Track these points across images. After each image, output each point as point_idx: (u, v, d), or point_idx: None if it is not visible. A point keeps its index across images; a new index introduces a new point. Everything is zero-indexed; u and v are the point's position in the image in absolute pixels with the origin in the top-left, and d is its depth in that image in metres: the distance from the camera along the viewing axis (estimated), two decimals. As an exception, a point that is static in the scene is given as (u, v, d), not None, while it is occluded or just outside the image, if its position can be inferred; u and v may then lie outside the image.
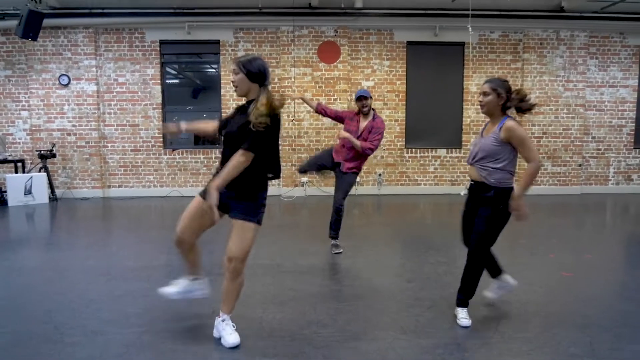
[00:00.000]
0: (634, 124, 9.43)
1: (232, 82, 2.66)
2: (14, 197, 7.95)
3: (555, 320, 3.01)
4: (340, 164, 4.65)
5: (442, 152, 9.28)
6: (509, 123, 2.78)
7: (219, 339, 2.73)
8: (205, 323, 2.93)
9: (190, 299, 2.96)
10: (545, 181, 9.27)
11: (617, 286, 3.81)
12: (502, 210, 2.83)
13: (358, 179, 5.42)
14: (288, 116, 8.67)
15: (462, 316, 2.97)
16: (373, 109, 4.70)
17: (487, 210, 2.86)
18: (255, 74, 2.59)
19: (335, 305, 3.28)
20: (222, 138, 2.76)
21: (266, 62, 2.68)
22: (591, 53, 9.18)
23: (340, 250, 4.70)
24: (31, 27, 7.53)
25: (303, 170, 5.07)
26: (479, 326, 2.94)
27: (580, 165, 9.35)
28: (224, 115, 2.44)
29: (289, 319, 3.04)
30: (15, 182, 8.00)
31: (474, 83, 9.13)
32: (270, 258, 4.41)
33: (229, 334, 2.69)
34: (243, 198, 2.63)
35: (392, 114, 9.09)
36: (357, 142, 4.47)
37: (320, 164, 4.84)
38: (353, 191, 8.97)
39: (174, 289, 2.93)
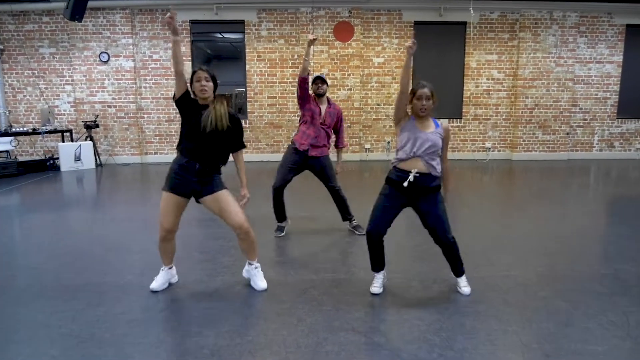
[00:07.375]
0: (617, 97, 10.41)
1: (203, 86, 2.82)
2: (66, 163, 8.97)
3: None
4: (310, 152, 4.40)
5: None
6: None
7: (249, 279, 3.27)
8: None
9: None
10: (536, 148, 10.33)
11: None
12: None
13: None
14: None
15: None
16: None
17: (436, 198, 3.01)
18: (217, 83, 2.92)
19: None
20: (191, 129, 2.88)
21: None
22: (581, 32, 10.06)
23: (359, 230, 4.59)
24: (78, 9, 8.27)
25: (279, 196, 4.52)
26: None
27: (567, 133, 10.38)
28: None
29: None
30: (66, 150, 9.00)
31: (474, 60, 10.05)
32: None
33: (260, 280, 3.19)
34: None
35: (399, 87, 10.03)
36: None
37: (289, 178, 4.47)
38: (364, 157, 10.06)
39: (156, 284, 3.18)
